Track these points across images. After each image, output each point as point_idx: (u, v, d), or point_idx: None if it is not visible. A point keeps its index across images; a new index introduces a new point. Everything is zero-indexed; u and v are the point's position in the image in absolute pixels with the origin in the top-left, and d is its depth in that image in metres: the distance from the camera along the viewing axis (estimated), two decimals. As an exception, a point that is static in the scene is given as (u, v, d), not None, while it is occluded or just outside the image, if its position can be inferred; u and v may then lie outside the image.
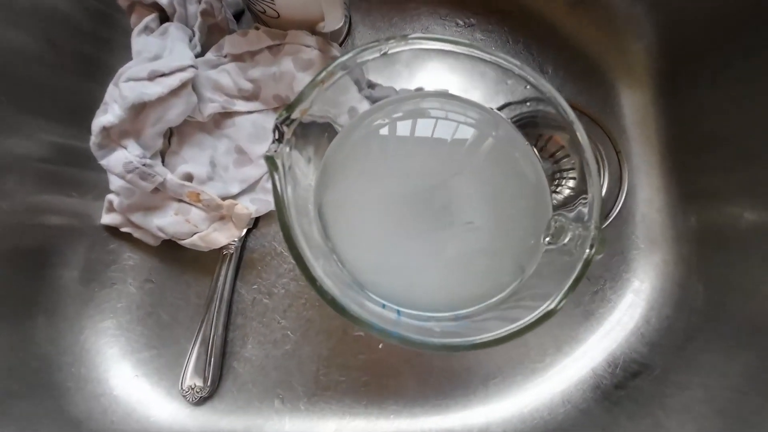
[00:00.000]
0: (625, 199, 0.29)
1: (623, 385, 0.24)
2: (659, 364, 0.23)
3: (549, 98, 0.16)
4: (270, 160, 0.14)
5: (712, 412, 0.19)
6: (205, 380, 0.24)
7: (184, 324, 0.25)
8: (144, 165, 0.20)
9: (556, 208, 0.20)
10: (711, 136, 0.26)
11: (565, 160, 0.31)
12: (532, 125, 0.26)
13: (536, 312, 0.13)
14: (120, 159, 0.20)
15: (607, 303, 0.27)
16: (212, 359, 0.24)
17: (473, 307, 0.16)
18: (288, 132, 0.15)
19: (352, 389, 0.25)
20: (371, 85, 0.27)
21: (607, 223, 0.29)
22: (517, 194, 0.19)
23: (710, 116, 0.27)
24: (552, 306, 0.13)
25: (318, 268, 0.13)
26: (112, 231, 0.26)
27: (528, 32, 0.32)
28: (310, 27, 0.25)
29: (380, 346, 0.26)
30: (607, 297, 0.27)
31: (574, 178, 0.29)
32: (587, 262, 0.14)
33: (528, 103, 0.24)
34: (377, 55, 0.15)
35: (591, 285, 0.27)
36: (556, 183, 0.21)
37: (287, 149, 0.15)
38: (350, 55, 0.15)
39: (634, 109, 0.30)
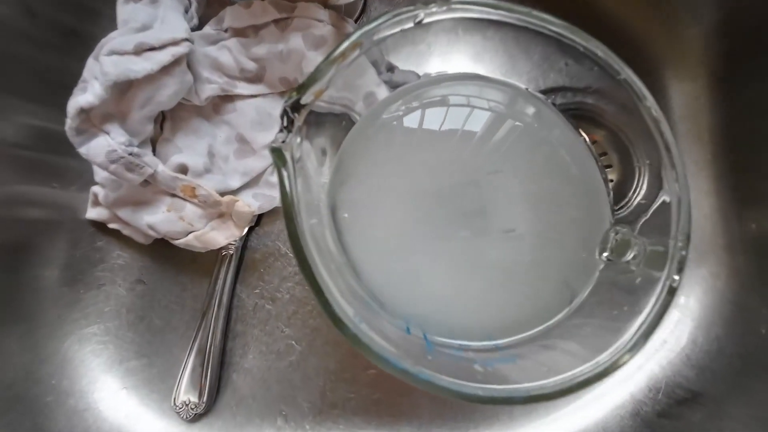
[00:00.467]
0: (667, 202, 0.26)
1: (667, 413, 0.21)
2: (709, 392, 0.21)
3: (626, 80, 0.12)
4: (277, 152, 0.11)
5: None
6: (200, 395, 0.21)
7: (178, 330, 0.23)
8: (131, 154, 0.18)
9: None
10: (773, 134, 0.23)
11: (602, 158, 0.27)
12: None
13: (599, 360, 0.10)
14: (102, 146, 0.17)
15: (646, 318, 0.24)
16: (209, 371, 0.22)
17: (515, 335, 0.13)
18: (299, 119, 0.12)
19: (362, 407, 0.22)
20: (390, 68, 0.24)
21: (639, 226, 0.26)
22: (567, 198, 0.16)
23: (773, 112, 0.23)
24: (623, 358, 0.11)
25: (333, 288, 0.10)
26: (100, 226, 0.23)
27: (561, 11, 0.28)
28: (323, 2, 0.22)
29: (417, 342, 0.23)
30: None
31: (611, 180, 0.26)
32: (672, 290, 0.11)
33: (570, 93, 0.21)
34: (411, 24, 0.12)
35: (644, 283, 0.24)
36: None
37: (297, 140, 0.12)
38: (378, 22, 0.12)
39: (684, 102, 0.27)
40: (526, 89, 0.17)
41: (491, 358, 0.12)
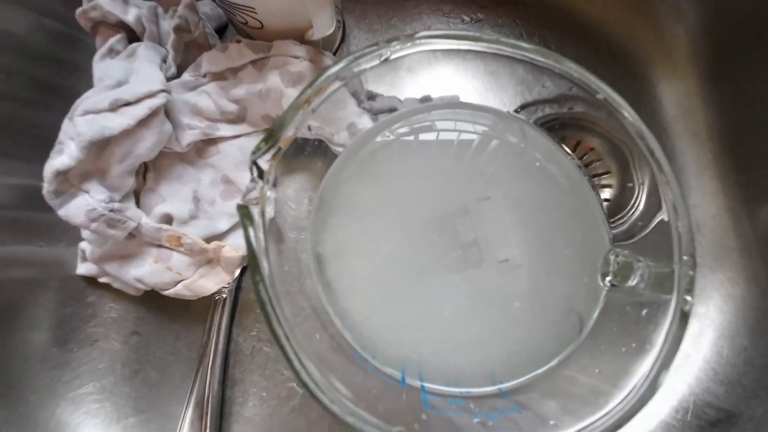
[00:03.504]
0: (672, 205, 0.25)
1: (699, 437, 0.19)
2: (743, 410, 0.19)
3: (606, 102, 0.12)
4: (243, 210, 0.10)
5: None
6: (200, 450, 0.20)
7: (174, 382, 0.22)
8: (112, 210, 0.17)
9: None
10: (777, 126, 0.22)
11: (597, 164, 0.27)
12: (552, 129, 0.22)
13: (624, 393, 0.09)
14: (81, 206, 0.17)
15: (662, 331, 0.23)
16: (208, 424, 0.21)
17: (523, 375, 0.12)
18: (270, 169, 0.11)
19: (371, 451, 0.21)
20: (371, 96, 0.23)
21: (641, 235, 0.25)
22: (561, 220, 0.15)
23: (773, 103, 0.23)
24: (648, 381, 0.10)
25: (313, 368, 0.09)
26: (90, 281, 0.23)
27: (543, 23, 0.28)
28: (299, 36, 0.22)
29: (403, 397, 0.22)
30: (659, 322, 0.23)
31: (609, 186, 0.25)
32: (686, 315, 0.10)
33: (557, 104, 0.20)
34: (377, 62, 0.12)
35: (653, 312, 0.23)
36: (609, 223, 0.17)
37: (268, 192, 0.11)
38: (343, 64, 0.11)
39: (676, 101, 0.26)
40: (508, 112, 0.16)
41: (495, 407, 0.11)
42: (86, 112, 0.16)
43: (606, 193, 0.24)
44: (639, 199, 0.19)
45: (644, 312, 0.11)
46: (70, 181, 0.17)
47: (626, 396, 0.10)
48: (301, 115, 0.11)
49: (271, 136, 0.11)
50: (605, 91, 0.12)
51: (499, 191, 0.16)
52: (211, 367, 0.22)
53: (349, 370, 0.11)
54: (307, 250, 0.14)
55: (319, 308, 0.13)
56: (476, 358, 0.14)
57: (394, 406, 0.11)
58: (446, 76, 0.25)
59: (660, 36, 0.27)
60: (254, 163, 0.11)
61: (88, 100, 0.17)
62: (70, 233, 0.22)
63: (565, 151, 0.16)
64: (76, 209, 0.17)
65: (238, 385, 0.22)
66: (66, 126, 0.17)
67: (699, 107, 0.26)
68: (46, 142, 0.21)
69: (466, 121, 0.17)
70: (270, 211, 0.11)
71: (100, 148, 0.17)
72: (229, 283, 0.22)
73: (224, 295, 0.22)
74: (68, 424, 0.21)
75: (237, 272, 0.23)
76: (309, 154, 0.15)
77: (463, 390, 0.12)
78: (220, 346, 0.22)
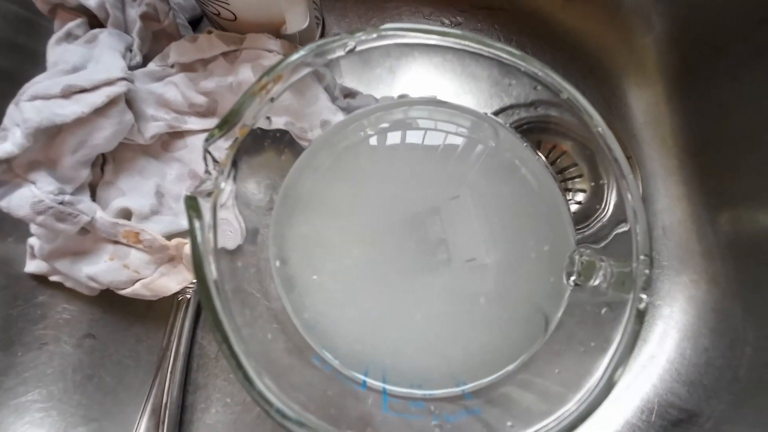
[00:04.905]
0: (641, 210, 0.26)
1: (663, 437, 0.20)
2: (704, 410, 0.19)
3: (569, 101, 0.12)
4: (191, 202, 0.10)
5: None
6: (155, 460, 0.19)
7: (132, 387, 0.21)
8: (61, 203, 0.16)
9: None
10: (738, 135, 0.23)
11: (571, 169, 0.27)
12: (530, 132, 0.22)
13: (575, 399, 0.09)
14: (26, 198, 0.15)
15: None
16: (164, 431, 0.20)
17: (488, 377, 0.12)
18: (225, 160, 0.11)
19: (339, 458, 0.20)
20: (348, 94, 0.23)
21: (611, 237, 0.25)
22: (529, 220, 0.15)
23: (734, 113, 0.23)
24: (604, 379, 0.09)
25: (252, 373, 0.09)
26: (41, 279, 0.21)
27: (521, 30, 0.29)
28: (274, 30, 0.22)
29: (361, 400, 0.22)
30: (630, 325, 0.23)
31: (583, 191, 0.26)
32: (641, 313, 0.10)
33: (532, 108, 0.20)
34: (342, 53, 0.12)
35: (612, 311, 0.23)
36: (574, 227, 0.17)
37: (223, 184, 0.11)
38: (304, 52, 0.11)
39: (645, 109, 0.27)
40: (485, 113, 0.16)
41: (456, 409, 0.11)
42: (34, 98, 0.15)
43: (579, 196, 0.25)
44: (608, 203, 0.19)
45: (604, 311, 0.11)
46: (14, 171, 0.15)
47: (584, 394, 0.10)
48: (258, 104, 0.11)
49: (225, 123, 0.10)
50: (568, 90, 0.12)
51: (468, 191, 0.16)
52: (171, 371, 0.20)
53: (304, 372, 0.11)
54: (268, 246, 0.13)
55: (278, 309, 0.13)
56: (441, 359, 0.13)
57: (350, 410, 0.10)
58: (424, 77, 0.25)
59: (631, 47, 0.28)
60: (207, 152, 0.11)
61: (37, 84, 0.16)
62: (20, 228, 0.21)
63: (536, 153, 0.16)
64: (19, 201, 0.15)
65: (201, 390, 0.21)
66: (11, 111, 0.16)
67: (666, 115, 0.27)
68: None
69: (442, 120, 0.17)
70: (226, 203, 0.11)
71: (50, 136, 0.16)
72: (192, 283, 0.21)
73: (188, 296, 0.21)
74: (9, 434, 0.19)
75: (202, 271, 0.22)
76: (271, 146, 0.15)
77: (426, 392, 0.12)
78: (182, 349, 0.21)
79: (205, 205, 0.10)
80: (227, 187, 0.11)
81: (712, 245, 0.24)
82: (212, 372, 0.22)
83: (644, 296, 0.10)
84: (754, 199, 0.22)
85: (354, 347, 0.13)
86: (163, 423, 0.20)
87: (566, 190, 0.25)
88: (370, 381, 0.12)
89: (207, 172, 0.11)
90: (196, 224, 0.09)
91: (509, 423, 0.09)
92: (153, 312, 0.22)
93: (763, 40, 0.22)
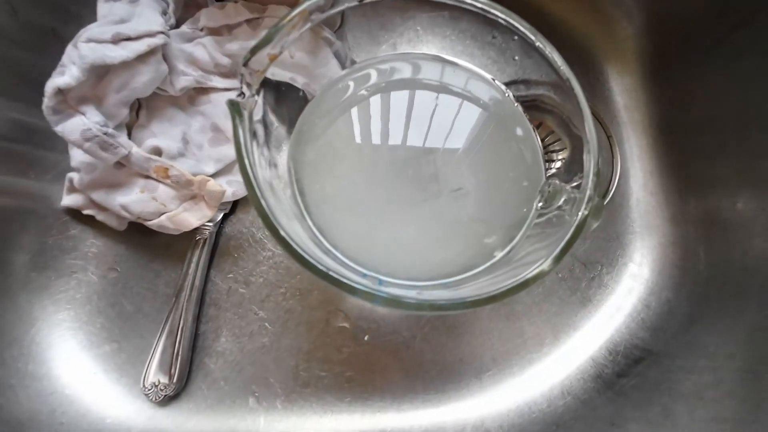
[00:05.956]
0: (618, 183, 0.29)
1: (626, 372, 0.22)
2: (663, 349, 0.22)
3: (537, 47, 0.14)
4: (234, 105, 0.12)
5: (723, 395, 0.18)
6: (171, 377, 0.21)
7: (150, 315, 0.23)
8: (105, 134, 0.19)
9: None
10: (703, 119, 0.26)
11: (555, 144, 0.30)
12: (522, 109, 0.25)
13: (527, 272, 0.12)
14: (77, 125, 0.18)
15: (604, 289, 0.25)
16: (180, 354, 0.22)
17: (462, 275, 0.15)
18: (255, 81, 0.13)
19: (335, 385, 0.23)
20: (355, 64, 0.26)
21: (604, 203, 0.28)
22: (510, 164, 0.18)
23: (701, 99, 0.26)
24: (545, 267, 0.12)
25: (284, 223, 0.11)
26: (75, 215, 0.23)
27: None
28: (292, 3, 0.24)
29: (366, 338, 0.24)
30: (604, 282, 0.26)
31: (563, 159, 0.28)
32: (581, 224, 0.12)
33: (522, 85, 0.23)
34: (355, 2, 0.14)
35: (587, 271, 0.26)
36: (546, 169, 0.20)
37: (255, 99, 0.13)
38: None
39: (624, 93, 0.30)
40: (492, 79, 0.19)
41: (437, 292, 0.13)
42: (90, 40, 0.18)
43: (560, 165, 0.27)
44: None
45: (558, 222, 0.14)
46: (68, 102, 0.18)
47: (527, 272, 0.12)
48: (286, 34, 0.13)
49: (257, 48, 0.13)
50: (540, 40, 0.14)
51: (462, 137, 0.18)
52: (187, 302, 0.23)
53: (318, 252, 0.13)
54: (284, 163, 0.16)
55: (295, 210, 0.15)
56: (429, 266, 0.16)
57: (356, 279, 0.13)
58: (428, 52, 0.28)
59: (613, 37, 0.31)
60: (242, 75, 0.13)
61: (91, 29, 0.18)
62: (58, 168, 0.23)
63: (524, 114, 0.18)
64: (72, 127, 0.18)
65: (212, 321, 0.23)
66: (69, 51, 0.18)
67: (642, 99, 0.30)
68: (40, 82, 0.22)
69: (446, 76, 0.20)
70: (257, 117, 0.13)
71: (99, 75, 0.19)
72: (210, 225, 0.24)
73: (205, 237, 0.24)
74: (40, 344, 0.21)
75: (221, 214, 0.24)
76: (292, 92, 0.18)
77: (414, 283, 0.14)
78: (197, 283, 0.23)
79: (244, 112, 0.12)
80: (259, 102, 0.13)
81: (678, 213, 0.26)
82: (223, 306, 0.24)
83: (583, 212, 0.13)
84: (715, 173, 0.25)
85: (356, 255, 0.16)
86: (179, 344, 0.22)
87: (550, 159, 0.28)
88: (369, 273, 0.14)
89: (241, 92, 0.14)
90: (238, 122, 0.12)
91: (481, 288, 0.12)
92: (171, 251, 0.24)
93: (724, 33, 0.25)
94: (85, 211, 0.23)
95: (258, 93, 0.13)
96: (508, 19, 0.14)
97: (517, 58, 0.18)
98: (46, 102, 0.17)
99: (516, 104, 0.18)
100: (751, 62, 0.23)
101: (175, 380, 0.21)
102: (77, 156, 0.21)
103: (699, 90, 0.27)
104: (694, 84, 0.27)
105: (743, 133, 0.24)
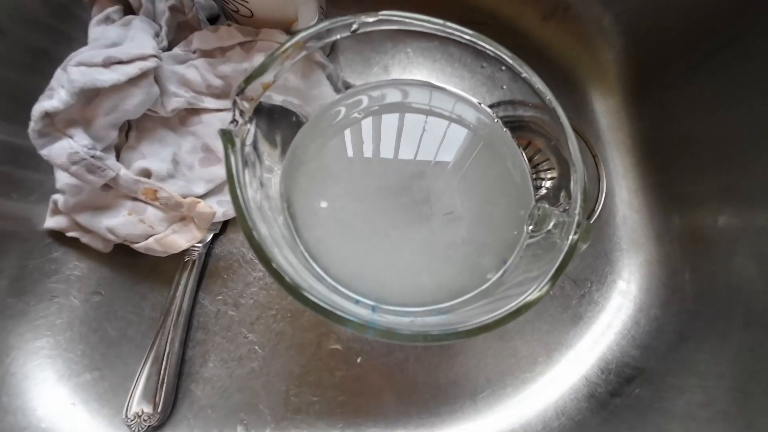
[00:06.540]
0: (604, 201, 0.29)
1: (619, 392, 0.22)
2: (654, 367, 0.22)
3: (524, 78, 0.15)
4: (227, 134, 0.12)
5: (715, 415, 0.18)
6: (155, 406, 0.20)
7: (135, 341, 0.22)
8: (93, 157, 0.18)
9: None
10: (683, 138, 0.27)
11: (544, 163, 0.31)
12: (511, 130, 0.25)
13: (519, 299, 0.12)
14: (64, 149, 0.18)
15: (594, 306, 0.26)
16: (165, 381, 0.21)
17: (454, 300, 0.15)
18: (248, 108, 0.14)
19: (327, 411, 0.22)
20: (348, 87, 0.26)
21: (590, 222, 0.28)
22: (500, 187, 0.18)
23: (682, 119, 0.27)
24: (536, 294, 0.12)
25: (275, 253, 0.11)
26: (58, 237, 0.23)
27: (502, 44, 0.32)
28: (285, 27, 0.25)
29: (358, 360, 0.23)
30: (594, 300, 0.26)
31: (553, 179, 0.29)
32: (572, 249, 0.12)
33: (509, 106, 0.24)
34: (347, 33, 0.15)
35: (578, 288, 0.26)
36: (535, 188, 0.20)
37: (247, 127, 0.13)
38: (317, 28, 0.14)
39: (607, 114, 0.31)
40: (469, 98, 0.19)
41: (430, 319, 0.13)
42: (80, 64, 0.18)
43: (549, 184, 0.28)
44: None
45: (549, 247, 0.14)
46: (56, 125, 0.18)
47: (519, 301, 0.12)
48: (277, 66, 0.13)
49: (250, 78, 0.13)
50: (519, 63, 0.15)
51: (452, 161, 0.18)
52: (173, 326, 0.22)
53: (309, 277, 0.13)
54: (276, 189, 0.16)
55: (286, 236, 0.15)
56: (421, 291, 0.16)
57: (349, 307, 0.12)
58: (419, 75, 0.29)
59: (596, 60, 0.32)
60: (235, 101, 0.13)
61: (82, 53, 0.18)
62: (42, 189, 0.23)
63: (512, 137, 0.19)
64: (58, 151, 0.18)
65: (199, 346, 0.23)
66: (58, 74, 0.18)
67: (625, 120, 0.31)
68: (29, 102, 0.22)
69: (435, 101, 0.20)
70: (249, 143, 0.13)
71: (88, 98, 0.18)
72: (200, 246, 0.23)
73: (194, 258, 0.23)
74: (15, 375, 0.20)
75: (210, 235, 0.24)
76: (285, 116, 0.18)
77: (408, 309, 0.14)
78: (185, 306, 0.23)
79: (236, 139, 0.12)
80: (251, 129, 0.13)
81: (663, 231, 0.27)
82: (211, 330, 0.23)
83: (573, 236, 0.13)
84: (697, 191, 0.26)
85: (347, 283, 0.15)
86: (165, 371, 0.21)
87: (539, 178, 0.28)
88: (361, 299, 0.14)
89: (234, 120, 0.14)
90: (230, 149, 0.12)
91: (473, 315, 0.12)
92: (158, 272, 0.24)
93: (702, 57, 0.26)
94: (69, 234, 0.22)
95: (251, 121, 0.13)
96: (495, 51, 0.15)
97: (505, 86, 0.19)
98: (33, 125, 0.17)
99: (504, 129, 0.19)
100: (727, 84, 0.25)
101: (159, 409, 0.20)
102: (62, 178, 0.20)
103: (679, 110, 0.28)
104: (675, 105, 0.28)
105: (724, 152, 0.25)
